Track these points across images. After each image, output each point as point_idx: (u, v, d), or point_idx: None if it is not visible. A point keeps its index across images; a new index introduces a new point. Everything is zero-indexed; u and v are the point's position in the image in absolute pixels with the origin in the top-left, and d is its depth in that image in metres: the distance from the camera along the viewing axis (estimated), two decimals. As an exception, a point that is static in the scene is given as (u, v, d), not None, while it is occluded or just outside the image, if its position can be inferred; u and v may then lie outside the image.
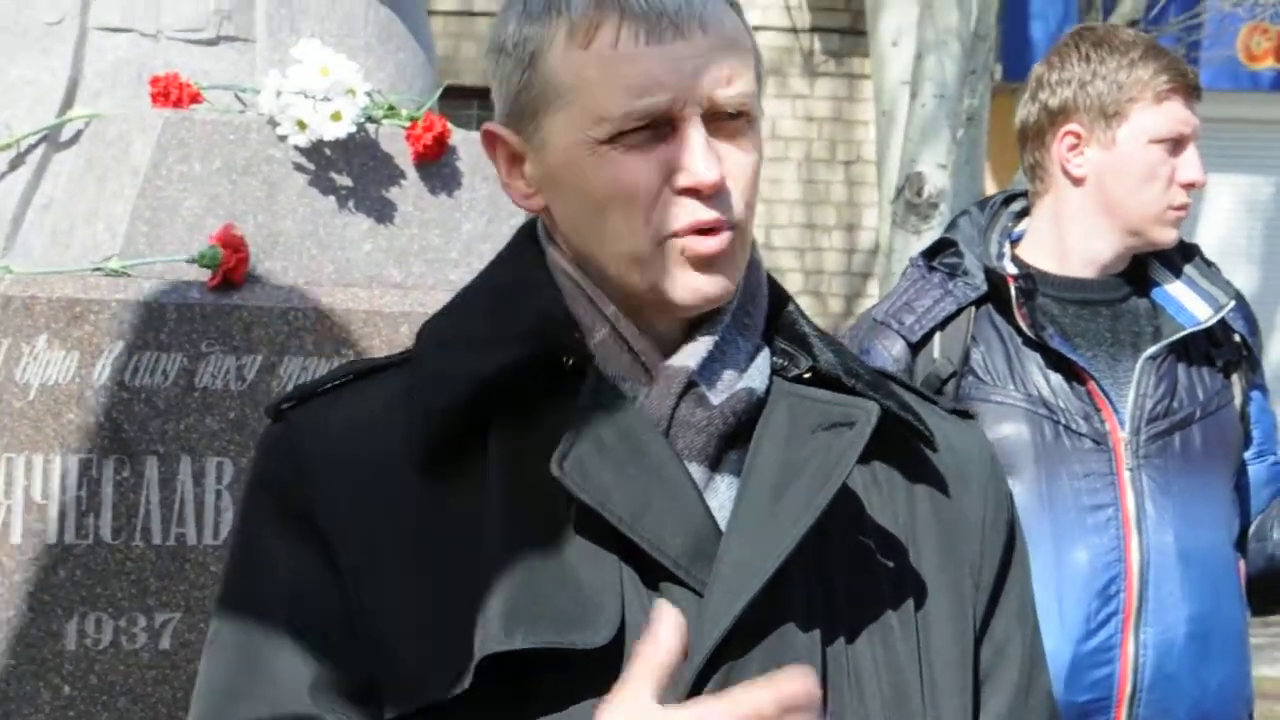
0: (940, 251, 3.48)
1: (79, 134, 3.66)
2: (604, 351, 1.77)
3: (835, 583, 1.76)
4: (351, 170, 3.60)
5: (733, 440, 1.76)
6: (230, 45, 3.75)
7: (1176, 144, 3.41)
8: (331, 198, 3.58)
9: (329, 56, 3.55)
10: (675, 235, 1.72)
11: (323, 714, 1.72)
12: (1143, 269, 3.49)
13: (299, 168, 3.57)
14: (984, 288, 3.39)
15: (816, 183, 13.54)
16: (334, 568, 1.74)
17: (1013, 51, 12.99)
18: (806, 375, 1.81)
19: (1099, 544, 3.30)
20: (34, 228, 3.63)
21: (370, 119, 3.60)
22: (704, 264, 1.73)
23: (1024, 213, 3.55)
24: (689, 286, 1.73)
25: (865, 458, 1.77)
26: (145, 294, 3.37)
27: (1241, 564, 3.48)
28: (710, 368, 1.77)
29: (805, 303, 12.47)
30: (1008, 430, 3.31)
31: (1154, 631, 3.30)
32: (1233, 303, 3.44)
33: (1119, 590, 3.30)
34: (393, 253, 3.60)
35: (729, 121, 1.74)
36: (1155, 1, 11.23)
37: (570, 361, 1.76)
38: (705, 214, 1.72)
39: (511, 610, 1.67)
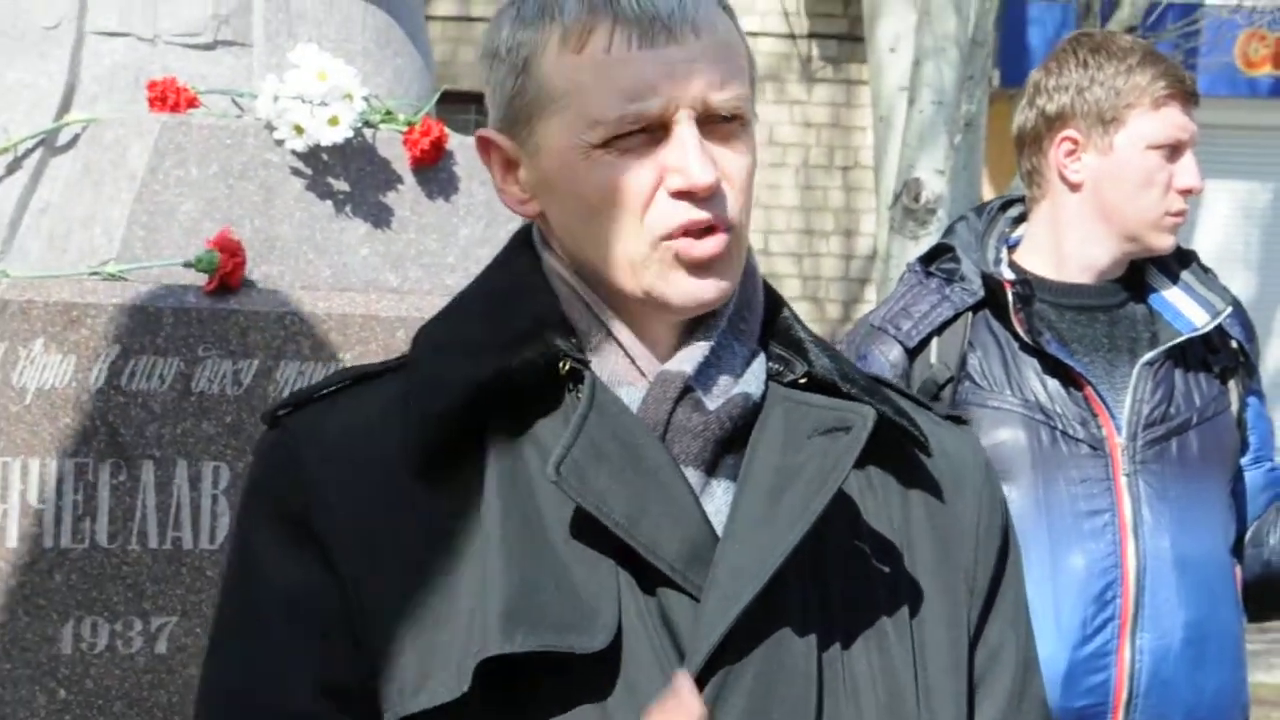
0: (938, 257, 3.48)
1: (76, 138, 3.65)
2: (600, 356, 1.77)
3: (831, 587, 1.76)
4: (349, 175, 3.59)
5: (729, 445, 1.76)
6: (227, 50, 3.74)
7: (1174, 150, 3.41)
8: (328, 202, 3.58)
9: (326, 61, 3.55)
10: (670, 238, 1.72)
11: (323, 717, 1.72)
12: (1140, 275, 3.48)
13: (296, 172, 3.56)
14: (981, 293, 3.39)
15: (814, 189, 13.55)
16: (332, 572, 1.74)
17: (1010, 57, 13.00)
18: (802, 380, 1.81)
19: (1095, 549, 3.30)
20: (31, 231, 3.63)
21: (367, 124, 3.60)
22: (699, 267, 1.73)
23: (1021, 218, 3.54)
24: (684, 290, 1.73)
25: (860, 463, 1.77)
26: (142, 298, 3.36)
27: (1238, 570, 3.48)
28: (706, 373, 1.77)
29: (803, 308, 12.48)
30: (1005, 435, 3.30)
31: (1150, 637, 3.30)
32: (1230, 309, 3.44)
33: (1115, 596, 3.30)
34: (390, 257, 3.60)
35: (723, 125, 1.74)
36: (1153, 8, 11.24)
37: (566, 366, 1.75)
38: (700, 216, 1.72)
39: (510, 613, 1.67)
